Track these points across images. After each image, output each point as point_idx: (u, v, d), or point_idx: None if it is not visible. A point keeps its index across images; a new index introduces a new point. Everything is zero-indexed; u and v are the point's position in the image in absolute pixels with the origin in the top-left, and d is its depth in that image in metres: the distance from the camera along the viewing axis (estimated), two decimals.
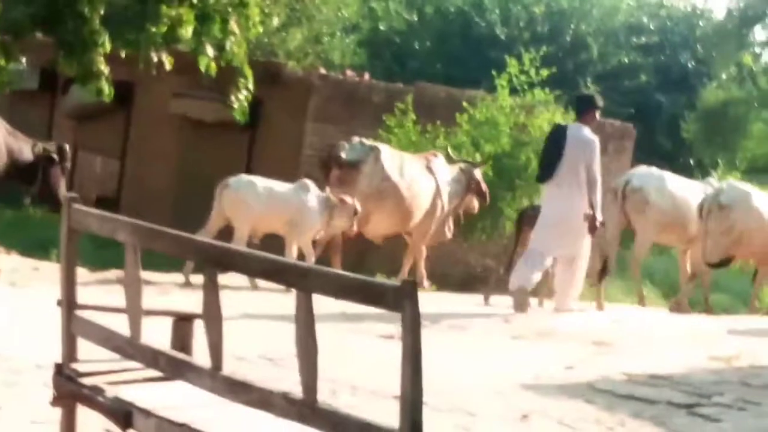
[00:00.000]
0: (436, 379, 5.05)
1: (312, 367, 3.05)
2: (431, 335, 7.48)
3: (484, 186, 12.67)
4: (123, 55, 12.03)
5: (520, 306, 10.10)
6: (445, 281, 12.55)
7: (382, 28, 28.35)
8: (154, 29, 11.67)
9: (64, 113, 18.68)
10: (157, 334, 3.85)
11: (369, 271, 12.23)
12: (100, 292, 7.88)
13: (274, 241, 10.93)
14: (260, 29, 13.33)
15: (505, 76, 15.32)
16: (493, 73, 15.71)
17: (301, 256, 10.98)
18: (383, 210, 11.77)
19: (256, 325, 7.74)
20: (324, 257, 11.53)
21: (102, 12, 11.43)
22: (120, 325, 3.74)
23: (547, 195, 10.46)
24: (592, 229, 10.16)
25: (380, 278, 11.34)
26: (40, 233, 13.35)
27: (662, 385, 6.78)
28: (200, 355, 3.64)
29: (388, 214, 11.90)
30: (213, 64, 12.09)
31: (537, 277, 10.28)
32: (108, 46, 11.54)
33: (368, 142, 12.22)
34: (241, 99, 12.58)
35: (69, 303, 3.89)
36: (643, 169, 12.60)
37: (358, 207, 11.14)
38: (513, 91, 15.41)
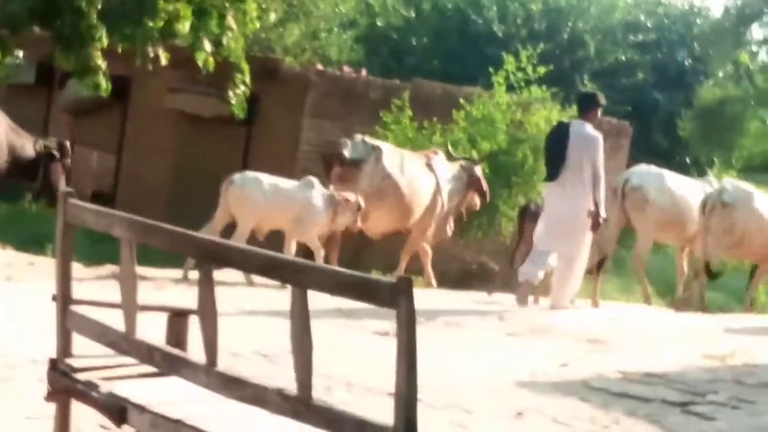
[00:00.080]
0: (431, 376, 5.05)
1: (307, 364, 3.05)
2: (426, 332, 7.48)
3: (484, 183, 12.67)
4: (120, 49, 12.02)
5: (522, 299, 10.17)
6: (441, 278, 12.54)
7: (379, 24, 28.33)
8: (151, 24, 11.66)
9: (60, 108, 18.67)
10: (152, 330, 3.85)
11: (365, 268, 12.21)
12: (95, 287, 7.87)
13: (275, 237, 10.95)
14: (257, 25, 13.32)
15: (502, 73, 15.33)
16: (490, 70, 15.71)
17: (309, 253, 11.00)
18: (383, 208, 11.78)
19: (252, 322, 7.74)
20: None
21: (99, 6, 11.42)
22: (115, 320, 3.74)
23: (549, 193, 10.47)
24: (596, 225, 10.19)
25: (376, 275, 11.33)
26: (36, 228, 13.34)
27: (657, 383, 6.79)
28: (195, 350, 3.64)
29: (388, 212, 11.92)
30: (211, 59, 12.09)
31: (542, 274, 10.37)
32: (105, 41, 11.54)
33: (371, 140, 12.23)
34: (239, 94, 12.58)
35: (64, 298, 3.88)
36: (642, 168, 12.61)
37: (362, 203, 11.17)
38: (510, 88, 15.41)
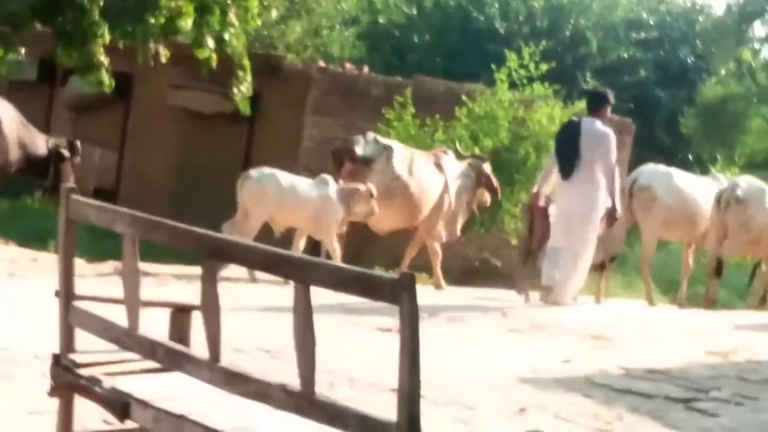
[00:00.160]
0: (433, 372, 5.05)
1: (310, 360, 3.05)
2: (429, 328, 7.47)
3: (494, 180, 12.68)
4: (121, 46, 12.02)
5: (546, 299, 10.29)
6: (443, 274, 12.53)
7: (381, 21, 28.33)
8: (152, 20, 11.66)
9: (62, 104, 18.67)
10: (155, 326, 3.85)
11: (368, 264, 12.22)
12: (98, 283, 7.88)
13: (289, 235, 11.00)
14: (259, 22, 13.32)
15: (505, 70, 15.32)
16: (493, 67, 15.70)
17: (315, 249, 11.02)
18: (392, 207, 11.77)
19: (254, 317, 7.74)
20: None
21: (101, 3, 11.42)
22: (118, 316, 3.73)
23: (559, 190, 10.52)
24: (612, 220, 10.34)
25: (379, 271, 11.33)
26: (39, 224, 13.34)
27: (660, 379, 6.79)
28: (198, 346, 3.64)
29: (396, 211, 11.92)
30: (213, 56, 12.09)
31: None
32: (107, 38, 11.54)
33: (382, 140, 12.24)
34: (243, 91, 12.58)
35: (67, 294, 3.88)
36: (650, 167, 12.58)
37: (374, 190, 11.19)
38: (512, 85, 15.40)
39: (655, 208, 12.00)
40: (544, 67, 15.31)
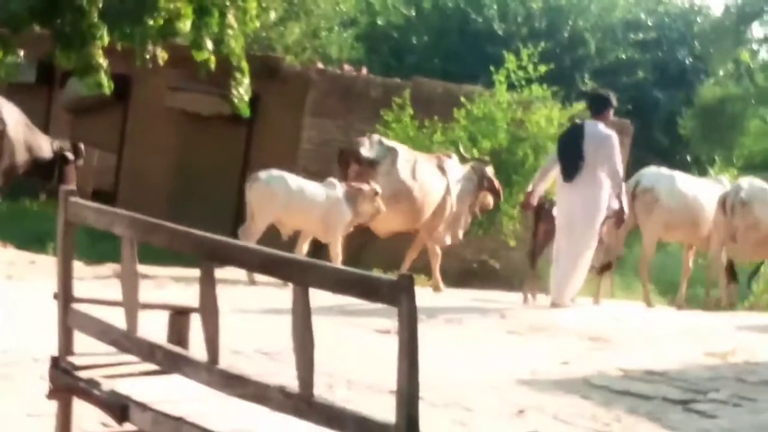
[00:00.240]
0: (432, 373, 5.05)
1: (308, 362, 3.05)
2: (427, 330, 7.48)
3: (497, 183, 12.69)
4: (120, 48, 12.03)
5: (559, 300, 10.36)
6: (441, 276, 12.52)
7: (379, 22, 28.32)
8: (151, 22, 11.66)
9: (61, 106, 18.67)
10: (154, 328, 3.85)
11: (366, 266, 12.23)
12: (96, 285, 7.87)
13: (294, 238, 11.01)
14: (258, 23, 13.33)
15: (503, 71, 15.32)
16: (491, 68, 15.70)
17: (317, 251, 11.03)
18: (395, 211, 11.77)
19: (253, 319, 7.74)
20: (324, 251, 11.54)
21: (100, 5, 11.43)
22: (116, 318, 3.74)
23: (560, 192, 10.56)
24: (620, 221, 10.48)
25: (377, 273, 11.32)
26: (37, 226, 13.34)
27: (658, 381, 6.79)
28: (197, 348, 3.64)
29: (399, 214, 11.92)
30: (212, 58, 12.09)
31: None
32: (106, 40, 11.54)
33: (387, 142, 12.25)
34: (241, 93, 12.58)
35: (65, 296, 3.88)
36: (653, 170, 12.61)
37: (378, 189, 11.20)
38: (510, 86, 15.41)
39: (657, 210, 12.01)
40: (542, 68, 15.31)
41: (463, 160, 12.79)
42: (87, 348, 3.93)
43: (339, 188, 11.11)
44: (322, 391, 3.27)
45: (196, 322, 3.67)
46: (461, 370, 6.76)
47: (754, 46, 32.50)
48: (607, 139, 10.24)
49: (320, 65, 18.60)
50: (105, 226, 3.72)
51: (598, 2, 30.23)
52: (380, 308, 3.07)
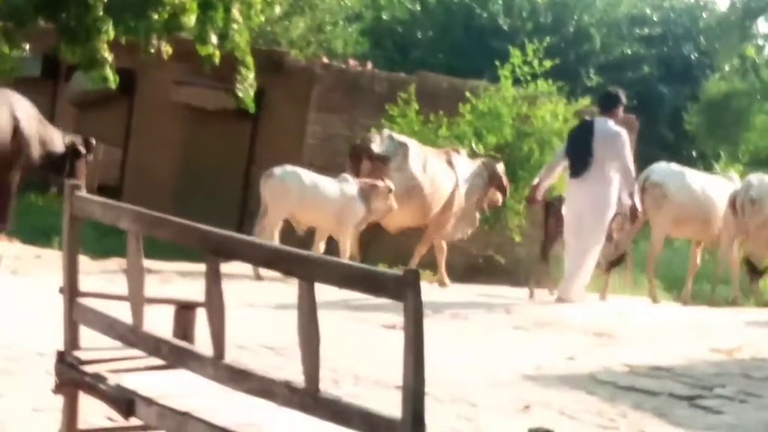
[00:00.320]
0: (438, 369, 5.05)
1: (314, 357, 3.04)
2: (433, 325, 7.46)
3: (505, 180, 12.69)
4: (124, 42, 12.02)
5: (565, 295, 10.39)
6: (447, 271, 12.51)
7: (384, 17, 28.30)
8: (156, 16, 11.66)
9: (66, 101, 18.67)
10: (160, 323, 3.85)
11: (372, 261, 12.23)
12: (102, 280, 7.88)
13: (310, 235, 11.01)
14: (262, 18, 13.32)
15: (508, 66, 15.30)
16: (496, 63, 15.68)
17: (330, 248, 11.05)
18: (406, 206, 11.76)
19: (258, 314, 7.75)
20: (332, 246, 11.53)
21: None
22: (122, 313, 3.73)
23: (569, 189, 10.59)
24: (634, 217, 10.59)
25: (383, 268, 11.29)
26: (43, 221, 13.36)
27: (664, 376, 6.79)
28: (202, 343, 3.64)
29: (410, 210, 11.92)
30: (217, 52, 12.08)
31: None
32: (111, 34, 11.54)
33: (398, 137, 12.24)
34: (246, 87, 12.58)
35: (71, 290, 3.88)
36: (662, 165, 12.60)
37: (391, 186, 11.20)
38: (516, 81, 15.39)
39: (666, 205, 11.99)
40: (547, 63, 15.29)
41: (473, 155, 12.77)
42: (93, 342, 3.93)
43: (353, 184, 11.11)
44: (327, 386, 3.27)
45: (201, 316, 3.67)
46: (467, 366, 6.76)
47: (760, 42, 32.44)
48: (617, 137, 10.28)
49: (325, 60, 18.58)
50: (110, 220, 3.72)
51: None
52: (386, 303, 3.06)
